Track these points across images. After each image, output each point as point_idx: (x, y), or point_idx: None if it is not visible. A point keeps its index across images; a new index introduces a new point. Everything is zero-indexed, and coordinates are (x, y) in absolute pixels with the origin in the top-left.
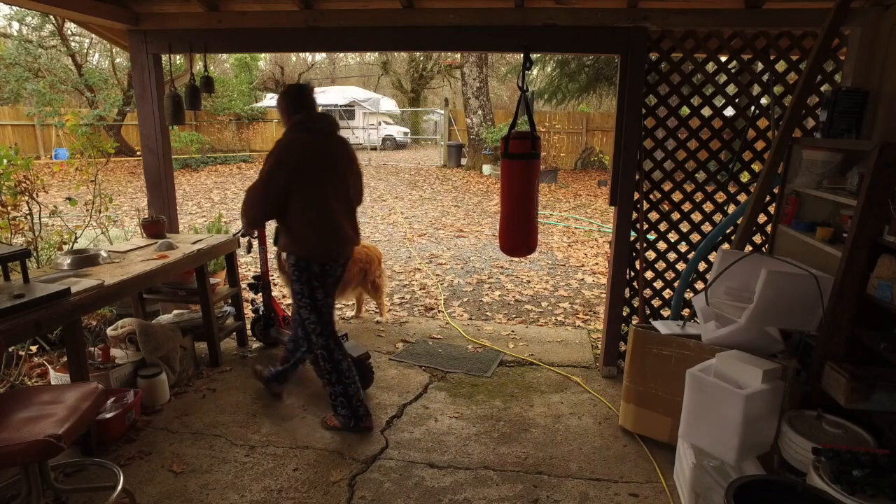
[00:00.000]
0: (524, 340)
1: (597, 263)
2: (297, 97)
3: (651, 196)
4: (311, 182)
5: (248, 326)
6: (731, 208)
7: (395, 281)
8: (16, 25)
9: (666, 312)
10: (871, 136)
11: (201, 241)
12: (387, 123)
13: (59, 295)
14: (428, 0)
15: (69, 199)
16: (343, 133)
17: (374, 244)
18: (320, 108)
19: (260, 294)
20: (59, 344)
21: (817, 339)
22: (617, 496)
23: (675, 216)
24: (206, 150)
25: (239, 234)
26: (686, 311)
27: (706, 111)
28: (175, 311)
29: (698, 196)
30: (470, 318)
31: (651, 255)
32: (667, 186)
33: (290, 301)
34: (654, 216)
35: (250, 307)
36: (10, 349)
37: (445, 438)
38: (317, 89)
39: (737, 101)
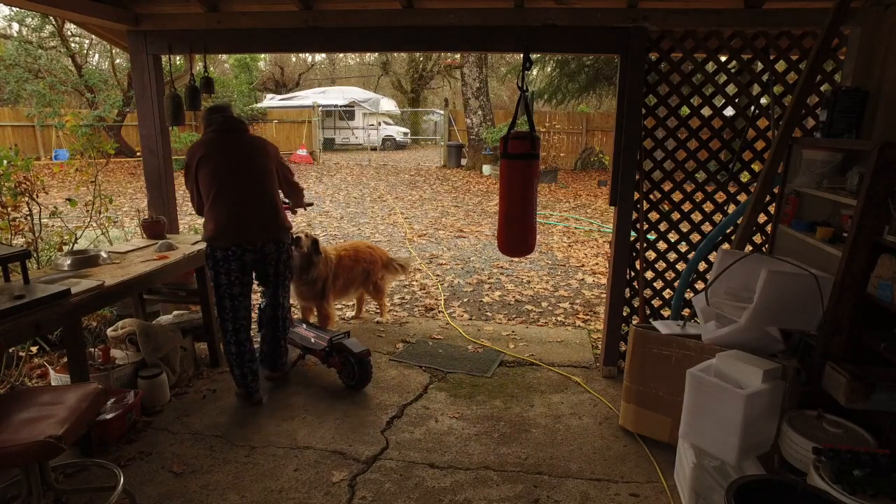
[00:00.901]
0: (524, 341)
1: (597, 263)
2: (207, 112)
3: (651, 196)
4: (210, 173)
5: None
6: (731, 208)
7: (396, 281)
8: (16, 26)
9: (666, 312)
10: (871, 135)
11: (201, 242)
12: (387, 124)
13: (59, 296)
14: (428, 0)
15: (69, 199)
16: (343, 133)
17: (376, 244)
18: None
19: None
20: (60, 344)
21: (817, 339)
22: (617, 496)
23: (675, 216)
24: None
25: None
26: (686, 311)
27: (706, 111)
28: (175, 312)
29: (698, 196)
30: (470, 319)
31: (651, 255)
32: (667, 186)
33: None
34: (654, 216)
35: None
36: (10, 350)
37: (446, 439)
38: (316, 90)
39: (737, 100)
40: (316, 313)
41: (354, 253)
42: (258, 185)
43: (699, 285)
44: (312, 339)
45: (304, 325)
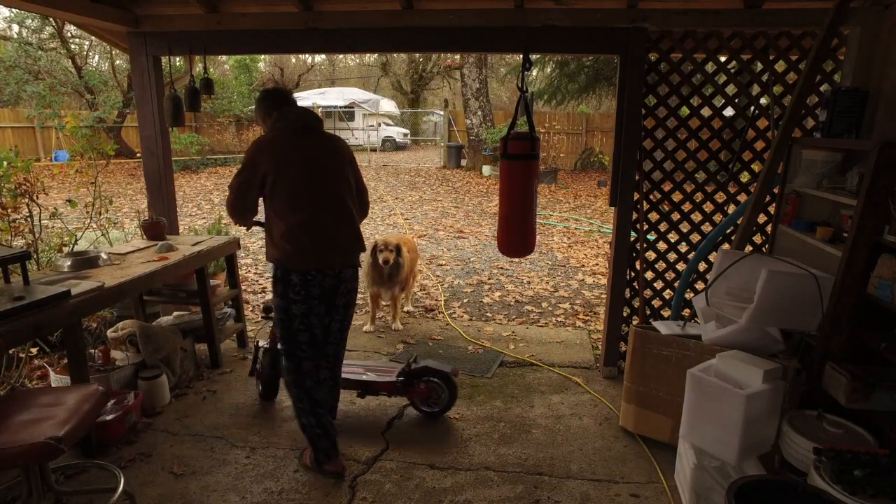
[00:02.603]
0: (524, 341)
1: (597, 264)
2: (272, 99)
3: (651, 196)
4: (288, 181)
5: (257, 377)
6: (731, 208)
7: None
8: (16, 28)
9: (666, 313)
10: (871, 135)
11: (201, 243)
12: (386, 125)
13: (59, 297)
14: (427, 1)
15: (69, 201)
16: (342, 133)
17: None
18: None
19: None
20: (60, 346)
21: (818, 339)
22: (618, 497)
23: (675, 216)
24: (205, 152)
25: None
26: (686, 312)
27: (706, 111)
28: (175, 313)
29: (698, 196)
30: (470, 319)
31: (651, 255)
32: (667, 187)
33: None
34: (654, 216)
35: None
36: (10, 351)
37: (446, 439)
38: (316, 91)
39: (736, 101)
40: (387, 302)
41: (410, 245)
42: (340, 197)
43: (699, 285)
44: (370, 374)
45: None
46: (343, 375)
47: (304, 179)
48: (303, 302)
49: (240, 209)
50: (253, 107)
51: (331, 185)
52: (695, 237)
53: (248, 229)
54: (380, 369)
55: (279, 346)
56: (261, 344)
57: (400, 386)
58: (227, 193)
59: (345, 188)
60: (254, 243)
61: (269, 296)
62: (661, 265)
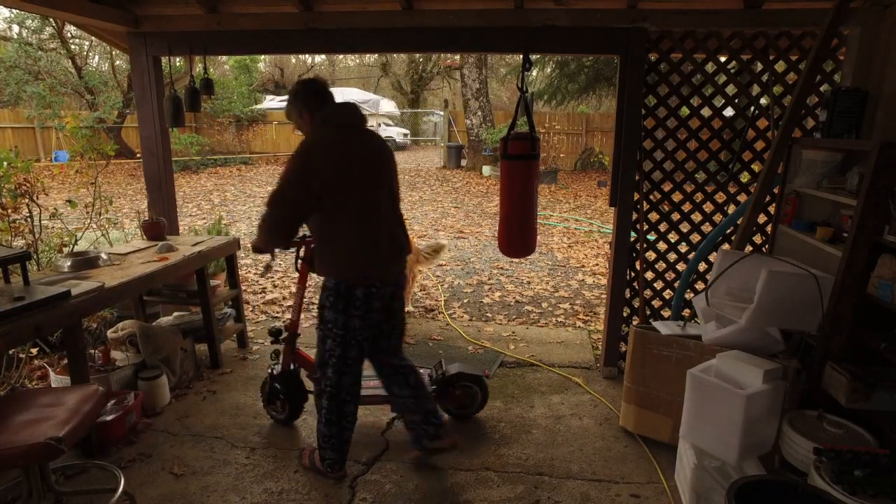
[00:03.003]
0: (524, 341)
1: (597, 264)
2: (312, 92)
3: (651, 196)
4: (347, 188)
5: (264, 397)
6: (731, 208)
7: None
8: (16, 28)
9: (666, 313)
10: (871, 135)
11: (201, 243)
12: (386, 125)
13: (59, 297)
14: (427, 1)
15: (69, 201)
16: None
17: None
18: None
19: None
20: (60, 346)
21: (818, 339)
22: (618, 497)
23: (675, 217)
24: (205, 153)
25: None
26: (686, 312)
27: (706, 111)
28: (175, 313)
29: (698, 196)
30: (470, 320)
31: (651, 255)
32: (667, 187)
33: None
34: (654, 217)
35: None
36: (10, 351)
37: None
38: None
39: (736, 101)
40: None
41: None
42: (391, 200)
43: (699, 286)
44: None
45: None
46: (371, 393)
47: (366, 187)
48: (363, 316)
49: (287, 229)
50: (252, 107)
51: (387, 189)
52: (695, 237)
53: (272, 258)
54: None
55: (324, 357)
56: (275, 371)
57: (436, 395)
58: (269, 210)
59: (396, 190)
60: None
61: (269, 297)
62: (661, 265)
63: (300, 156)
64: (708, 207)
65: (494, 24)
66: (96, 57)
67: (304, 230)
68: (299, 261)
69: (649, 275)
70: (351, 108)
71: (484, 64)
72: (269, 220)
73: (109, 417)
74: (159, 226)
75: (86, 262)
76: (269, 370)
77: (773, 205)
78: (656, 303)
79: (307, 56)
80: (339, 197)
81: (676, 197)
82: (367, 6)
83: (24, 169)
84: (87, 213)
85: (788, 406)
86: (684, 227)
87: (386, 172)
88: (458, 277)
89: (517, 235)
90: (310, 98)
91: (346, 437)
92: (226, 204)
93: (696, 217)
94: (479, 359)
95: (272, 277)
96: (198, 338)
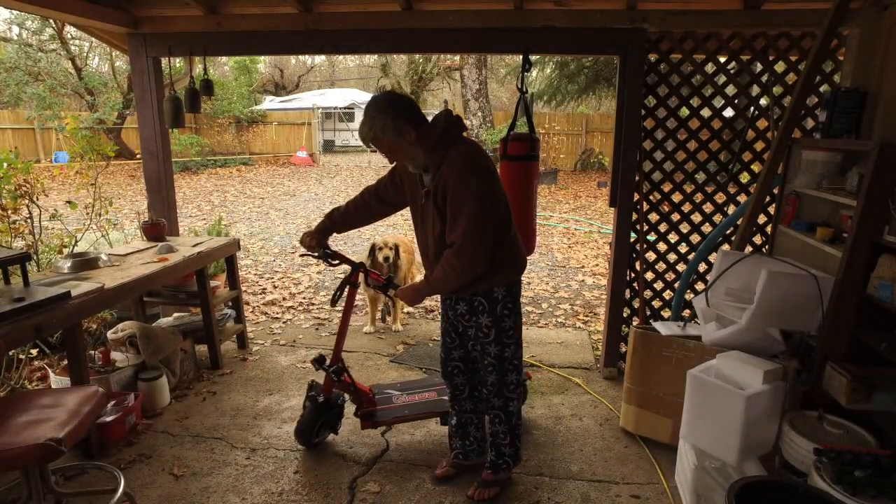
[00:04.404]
0: (525, 342)
1: (597, 265)
2: (408, 106)
3: (651, 197)
4: (503, 193)
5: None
6: (731, 209)
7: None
8: (16, 29)
9: (666, 313)
10: (871, 136)
11: (201, 244)
12: None
13: (59, 298)
14: (427, 2)
15: (69, 202)
16: (342, 135)
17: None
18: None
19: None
20: (60, 347)
21: (818, 340)
22: (618, 497)
23: (675, 217)
24: (205, 153)
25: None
26: (686, 312)
27: (705, 112)
28: (175, 314)
29: (698, 197)
30: None
31: (651, 256)
32: (667, 187)
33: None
34: (654, 217)
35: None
36: (10, 352)
37: (446, 440)
38: (315, 92)
39: (736, 101)
40: (388, 303)
41: (407, 246)
42: None
43: (699, 286)
44: (439, 393)
45: (396, 391)
46: (412, 404)
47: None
48: (517, 311)
49: (487, 235)
50: (252, 108)
51: None
52: (695, 238)
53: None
54: (441, 385)
55: (507, 367)
56: (320, 398)
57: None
58: (470, 248)
59: None
60: (254, 244)
61: (269, 297)
62: (660, 266)
63: (479, 172)
64: (708, 208)
65: (494, 25)
66: (96, 58)
67: (349, 254)
68: (347, 287)
69: (649, 275)
70: (457, 117)
71: (483, 65)
72: (472, 256)
73: (109, 418)
74: (159, 227)
75: (86, 263)
76: (310, 402)
77: (773, 205)
78: (656, 303)
79: (307, 57)
80: (505, 201)
81: (676, 197)
82: (366, 7)
83: (24, 170)
84: (87, 214)
85: (789, 406)
86: (684, 228)
87: None
88: None
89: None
90: (409, 112)
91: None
92: (226, 205)
93: (696, 217)
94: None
95: (272, 278)
96: (198, 339)
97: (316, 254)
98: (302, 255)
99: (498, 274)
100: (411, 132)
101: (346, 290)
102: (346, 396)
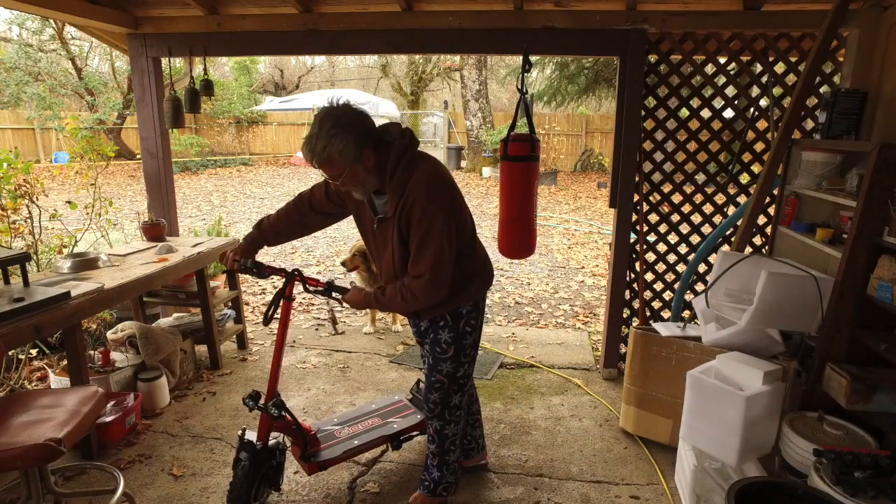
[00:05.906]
0: (524, 342)
1: (597, 265)
2: (368, 123)
3: (651, 198)
4: (467, 213)
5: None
6: (731, 210)
7: None
8: (16, 30)
9: (666, 314)
10: (871, 136)
11: (201, 245)
12: None
13: (58, 298)
14: (427, 3)
15: (69, 202)
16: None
17: None
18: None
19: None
20: (60, 347)
21: (818, 341)
22: (618, 498)
23: (675, 218)
24: (205, 154)
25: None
26: (686, 313)
27: (705, 113)
28: (175, 315)
29: (698, 198)
30: None
31: (651, 256)
32: (666, 188)
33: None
34: (653, 218)
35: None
36: (10, 353)
37: None
38: (315, 92)
39: (736, 102)
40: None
41: None
42: None
43: (699, 287)
44: (397, 420)
45: (335, 425)
46: (359, 434)
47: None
48: (480, 325)
49: (449, 262)
50: (252, 108)
51: None
52: (694, 238)
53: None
54: (398, 406)
55: (450, 387)
56: (257, 446)
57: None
58: (430, 275)
59: None
60: None
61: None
62: (660, 267)
63: (444, 197)
64: (708, 209)
65: (494, 26)
66: (96, 58)
67: (279, 263)
68: (281, 301)
69: (649, 276)
70: (408, 130)
71: (483, 65)
72: (435, 283)
73: (109, 419)
74: (159, 227)
75: (85, 264)
76: (245, 452)
77: (773, 206)
78: (656, 304)
79: (307, 57)
80: (468, 222)
81: (676, 198)
82: (367, 7)
83: (23, 170)
84: (87, 214)
85: (788, 407)
86: (684, 229)
87: None
88: None
89: (517, 237)
90: (371, 132)
91: (458, 456)
92: (225, 205)
93: (696, 218)
94: (479, 360)
95: (272, 278)
96: (197, 339)
97: (242, 269)
98: (225, 272)
99: (466, 289)
100: (371, 157)
101: (280, 305)
102: (286, 440)
